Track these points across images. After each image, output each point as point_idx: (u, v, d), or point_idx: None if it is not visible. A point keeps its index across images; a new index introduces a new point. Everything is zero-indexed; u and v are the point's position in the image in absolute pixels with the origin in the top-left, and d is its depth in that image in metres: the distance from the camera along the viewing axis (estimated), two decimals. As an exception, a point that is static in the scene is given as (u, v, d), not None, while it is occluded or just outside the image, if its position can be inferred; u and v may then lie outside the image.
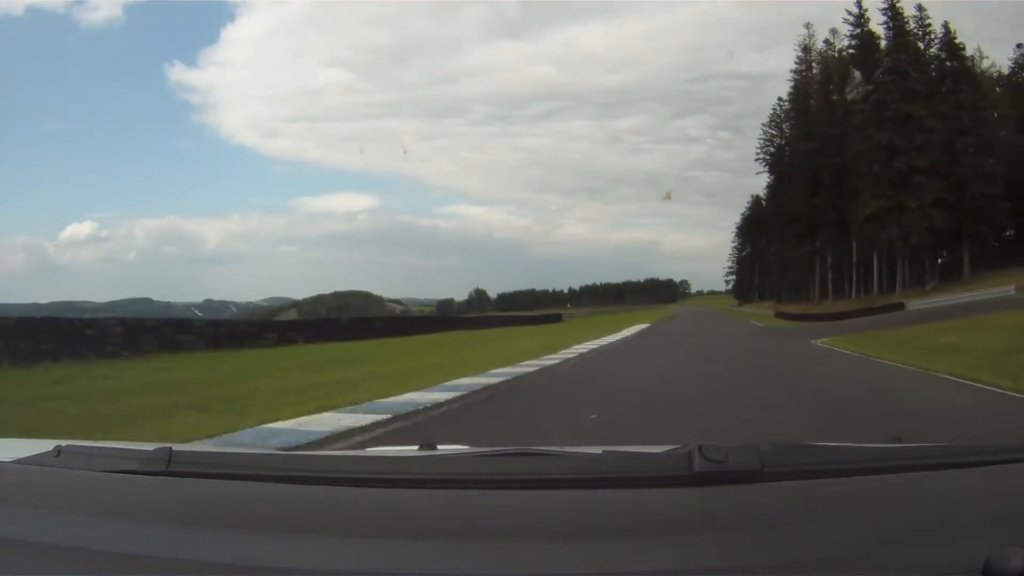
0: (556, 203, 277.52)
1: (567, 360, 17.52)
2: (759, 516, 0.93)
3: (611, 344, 24.75)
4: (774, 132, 75.47)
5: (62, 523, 0.95)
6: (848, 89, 49.13)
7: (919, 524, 0.91)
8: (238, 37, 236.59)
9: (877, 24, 55.05)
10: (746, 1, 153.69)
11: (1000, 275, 43.57)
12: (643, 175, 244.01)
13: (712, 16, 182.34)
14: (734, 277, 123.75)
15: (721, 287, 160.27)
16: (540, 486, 1.02)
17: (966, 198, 47.51)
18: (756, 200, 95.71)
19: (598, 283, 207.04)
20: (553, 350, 20.49)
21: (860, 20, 56.78)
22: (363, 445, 6.44)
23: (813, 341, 22.61)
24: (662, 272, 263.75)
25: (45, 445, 1.21)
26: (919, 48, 52.33)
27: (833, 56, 62.75)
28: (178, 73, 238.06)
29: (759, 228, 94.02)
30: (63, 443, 1.20)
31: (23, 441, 1.40)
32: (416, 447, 1.45)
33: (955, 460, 1.14)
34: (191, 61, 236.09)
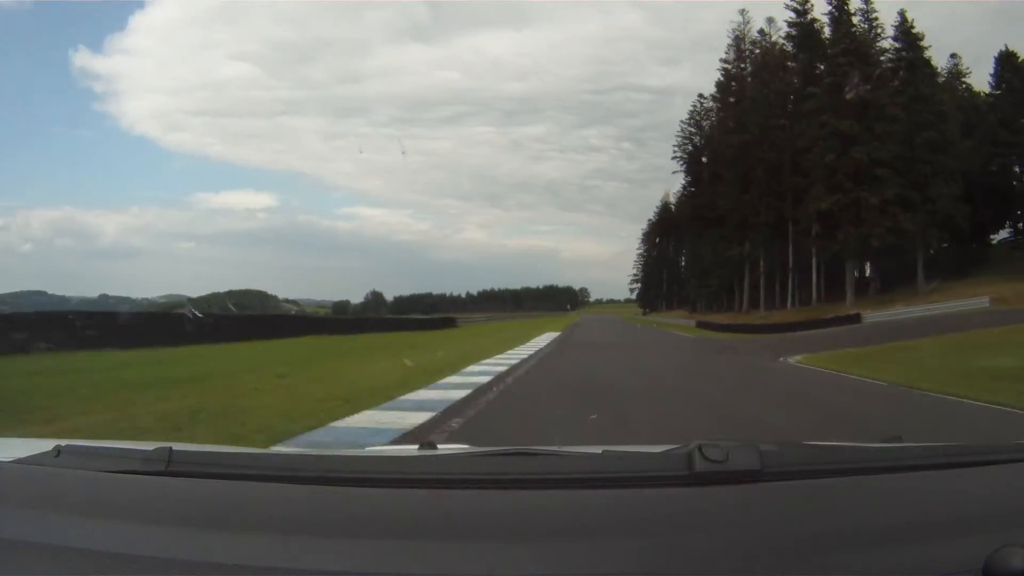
0: (456, 207, 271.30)
1: (448, 403, 9.28)
2: (759, 516, 0.92)
3: (522, 365, 16.66)
4: (693, 130, 71.17)
5: (62, 523, 0.94)
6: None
7: (919, 524, 0.90)
8: (146, 25, 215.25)
9: (820, 14, 51.19)
10: (653, 16, 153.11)
11: (960, 284, 39.29)
12: (544, 183, 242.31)
13: (619, 30, 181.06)
14: (639, 285, 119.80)
15: (620, 296, 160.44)
16: (540, 486, 1.01)
17: (926, 198, 42.54)
18: (665, 205, 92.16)
19: (496, 288, 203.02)
20: (433, 376, 12.68)
21: (803, 7, 52.33)
22: None
23: (785, 359, 17.74)
24: (561, 279, 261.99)
25: (45, 445, 1.19)
26: (867, 40, 47.78)
27: (767, 47, 58.29)
28: (83, 59, 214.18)
29: (669, 233, 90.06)
30: (63, 443, 1.19)
31: (23, 441, 1.39)
32: (416, 447, 1.45)
33: (955, 460, 1.11)
34: (96, 47, 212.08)
